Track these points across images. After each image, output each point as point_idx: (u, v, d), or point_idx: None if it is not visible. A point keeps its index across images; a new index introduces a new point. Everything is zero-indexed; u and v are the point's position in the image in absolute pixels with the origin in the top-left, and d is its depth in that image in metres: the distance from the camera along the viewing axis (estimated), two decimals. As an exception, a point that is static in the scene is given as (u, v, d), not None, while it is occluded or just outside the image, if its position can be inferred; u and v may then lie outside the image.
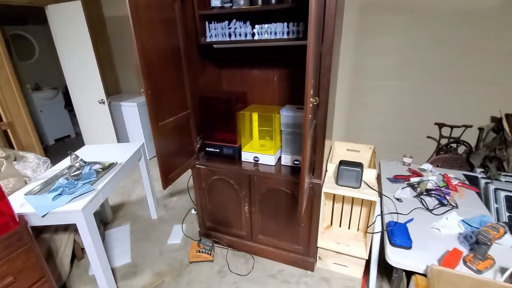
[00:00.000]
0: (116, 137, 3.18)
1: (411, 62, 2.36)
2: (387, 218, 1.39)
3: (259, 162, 1.65)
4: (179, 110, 1.48)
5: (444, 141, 2.57)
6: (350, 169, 1.43)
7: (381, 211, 1.46)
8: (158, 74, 1.27)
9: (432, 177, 1.71)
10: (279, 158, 1.67)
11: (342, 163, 1.46)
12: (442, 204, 1.50)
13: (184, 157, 1.61)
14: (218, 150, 1.73)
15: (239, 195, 1.71)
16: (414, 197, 1.58)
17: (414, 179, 1.74)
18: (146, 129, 3.35)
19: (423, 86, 2.41)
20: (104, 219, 2.27)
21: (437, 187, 1.64)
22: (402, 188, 1.63)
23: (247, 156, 1.68)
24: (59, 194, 1.34)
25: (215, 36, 1.50)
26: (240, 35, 1.45)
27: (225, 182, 1.70)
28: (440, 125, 2.53)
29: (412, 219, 1.35)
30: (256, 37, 1.43)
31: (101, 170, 1.62)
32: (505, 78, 2.13)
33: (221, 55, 1.86)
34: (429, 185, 1.65)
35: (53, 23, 2.87)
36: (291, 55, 1.72)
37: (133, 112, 3.24)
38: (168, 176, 1.41)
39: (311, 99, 0.92)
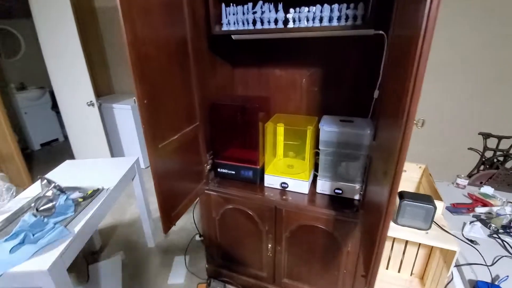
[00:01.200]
0: (107, 143, 2.78)
1: (462, 60, 1.99)
2: (466, 272, 1.03)
3: (287, 189, 1.28)
4: (185, 124, 1.10)
5: (489, 154, 2.21)
6: (417, 205, 1.05)
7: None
8: (157, 75, 0.89)
9: (506, 207, 1.35)
10: (312, 184, 1.30)
11: (404, 195, 1.09)
12: (531, 248, 1.13)
13: (191, 184, 1.23)
14: (233, 172, 1.35)
15: (260, 230, 1.33)
16: (488, 236, 1.22)
17: (480, 210, 1.38)
18: (142, 135, 2.95)
19: (466, 88, 2.05)
20: (91, 247, 1.89)
21: (515, 221, 1.27)
22: (470, 224, 1.27)
23: (271, 180, 1.30)
24: (19, 243, 0.96)
25: (234, 23, 1.12)
26: (268, 22, 1.07)
27: (243, 213, 1.32)
28: (486, 135, 2.18)
29: (507, 277, 0.98)
30: (290, 25, 1.05)
31: (81, 200, 1.23)
32: None
33: (237, 50, 1.48)
34: (504, 220, 1.29)
35: (36, 15, 2.47)
36: (326, 50, 1.34)
37: (127, 115, 2.85)
38: (170, 214, 1.03)
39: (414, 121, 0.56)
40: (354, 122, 1.16)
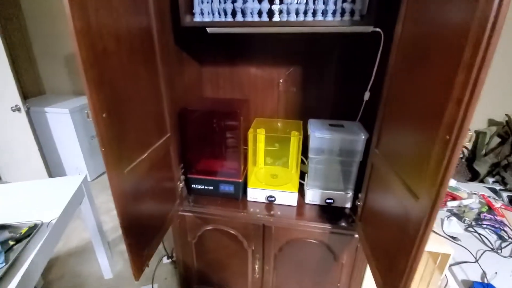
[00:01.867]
0: (42, 159, 2.31)
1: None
2: (457, 272, 1.04)
3: (275, 202, 1.15)
4: (155, 137, 0.88)
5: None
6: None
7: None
8: (119, 77, 0.66)
9: (471, 199, 1.42)
10: (299, 194, 1.19)
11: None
12: (501, 238, 1.20)
13: (164, 210, 1.01)
14: (211, 188, 1.17)
15: (245, 250, 1.18)
16: (465, 230, 1.26)
17: (451, 203, 1.44)
18: (85, 143, 2.53)
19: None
20: (28, 289, 1.51)
21: (482, 214, 1.35)
22: (447, 219, 1.30)
23: (256, 194, 1.15)
24: None
25: (209, 14, 0.93)
26: (251, 14, 0.91)
27: (225, 233, 1.16)
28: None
29: (495, 274, 1.01)
30: (276, 18, 0.91)
31: (13, 243, 0.92)
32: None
33: (207, 45, 1.29)
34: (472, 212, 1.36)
35: None
36: (307, 46, 1.24)
37: (64, 121, 2.39)
38: (142, 254, 0.82)
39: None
40: (344, 126, 1.08)
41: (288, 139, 1.21)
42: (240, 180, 1.14)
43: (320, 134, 1.01)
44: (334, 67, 1.24)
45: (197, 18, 0.94)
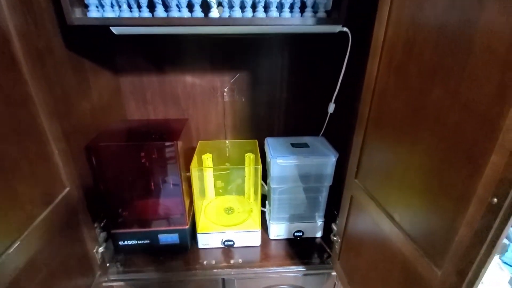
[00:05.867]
0: None
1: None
2: None
3: (234, 246, 0.91)
4: (39, 202, 0.56)
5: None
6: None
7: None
8: None
9: None
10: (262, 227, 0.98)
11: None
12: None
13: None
14: (147, 241, 0.87)
15: (201, 311, 0.93)
16: None
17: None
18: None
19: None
20: None
21: None
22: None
23: (209, 240, 0.90)
24: None
25: (112, 6, 0.63)
26: (178, 7, 0.63)
27: (172, 298, 0.88)
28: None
29: None
30: (213, 14, 0.66)
31: None
32: None
33: (122, 48, 0.97)
34: None
35: None
36: (254, 48, 1.02)
37: None
38: None
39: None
40: (309, 145, 0.89)
41: (242, 166, 0.98)
42: (186, 227, 0.87)
43: (283, 161, 0.81)
44: (289, 72, 1.05)
45: (93, 13, 0.62)
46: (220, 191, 1.09)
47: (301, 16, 0.64)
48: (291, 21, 0.64)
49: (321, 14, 0.64)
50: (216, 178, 1.05)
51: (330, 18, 0.64)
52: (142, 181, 0.83)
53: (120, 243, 0.86)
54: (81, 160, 0.75)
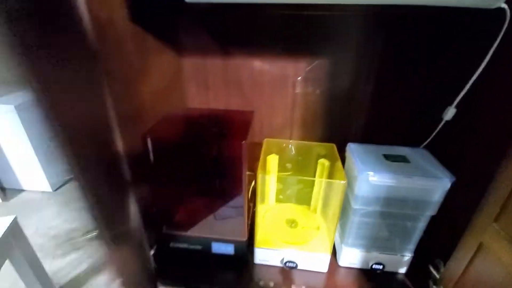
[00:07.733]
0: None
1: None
2: None
3: (296, 267, 0.77)
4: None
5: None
6: None
7: None
8: None
9: None
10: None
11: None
12: None
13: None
14: (198, 247, 0.77)
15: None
16: None
17: None
18: (41, 147, 2.04)
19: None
20: None
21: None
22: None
23: (267, 256, 0.77)
24: None
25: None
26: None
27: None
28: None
29: None
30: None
31: None
32: None
33: (187, 23, 0.85)
34: None
35: None
36: (341, 30, 0.82)
37: (9, 120, 1.89)
38: None
39: None
40: (409, 160, 0.68)
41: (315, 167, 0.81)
42: (244, 239, 0.74)
43: (378, 178, 0.62)
44: (382, 61, 0.83)
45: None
46: (280, 196, 0.94)
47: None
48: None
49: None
50: (278, 186, 0.91)
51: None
52: (199, 180, 0.72)
53: (171, 244, 0.77)
54: (135, 150, 0.65)
